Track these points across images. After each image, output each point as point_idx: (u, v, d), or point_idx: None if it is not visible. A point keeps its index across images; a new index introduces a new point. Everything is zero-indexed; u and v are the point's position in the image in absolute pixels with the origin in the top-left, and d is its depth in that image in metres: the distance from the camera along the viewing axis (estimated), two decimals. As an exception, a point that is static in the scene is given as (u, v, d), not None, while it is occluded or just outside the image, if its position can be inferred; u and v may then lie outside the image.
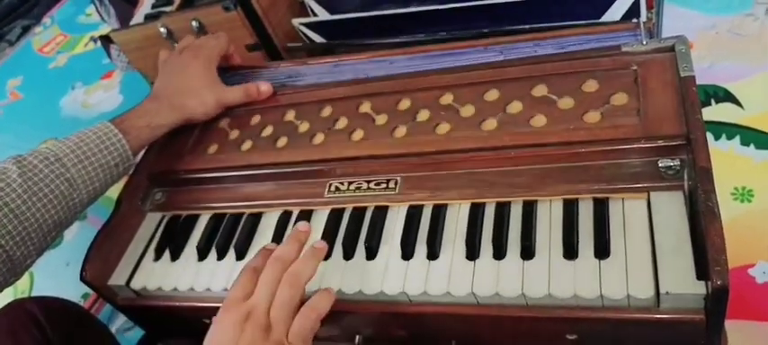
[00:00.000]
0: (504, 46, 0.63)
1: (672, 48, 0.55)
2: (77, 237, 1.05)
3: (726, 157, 0.75)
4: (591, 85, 0.55)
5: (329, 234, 0.57)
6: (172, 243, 0.63)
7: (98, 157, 0.61)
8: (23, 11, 1.96)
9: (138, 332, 0.84)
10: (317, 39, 0.87)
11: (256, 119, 0.69)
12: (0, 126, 1.55)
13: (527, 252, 0.49)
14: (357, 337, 0.58)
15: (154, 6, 1.01)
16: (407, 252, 0.53)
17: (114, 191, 0.68)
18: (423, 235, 0.53)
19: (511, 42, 0.63)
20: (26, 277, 0.83)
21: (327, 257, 0.55)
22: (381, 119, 0.62)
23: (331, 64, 0.72)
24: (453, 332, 0.54)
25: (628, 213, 0.49)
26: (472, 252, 0.51)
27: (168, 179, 0.69)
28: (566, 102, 0.55)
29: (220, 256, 0.60)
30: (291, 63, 0.77)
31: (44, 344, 0.65)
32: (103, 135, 0.62)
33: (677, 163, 0.48)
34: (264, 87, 0.70)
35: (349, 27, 0.83)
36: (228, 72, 0.75)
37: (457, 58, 0.65)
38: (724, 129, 0.78)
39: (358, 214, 0.58)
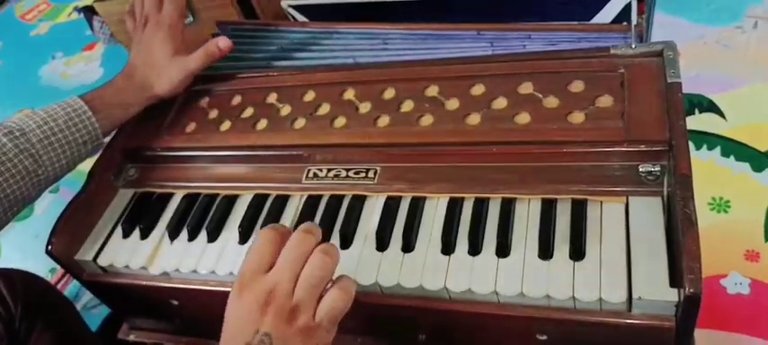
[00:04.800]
0: (495, 33, 0.63)
1: (660, 53, 0.54)
2: (48, 210, 1.03)
3: (705, 167, 0.76)
4: (577, 86, 0.55)
5: (305, 221, 0.55)
6: (142, 220, 0.61)
7: (65, 134, 0.59)
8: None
9: (103, 311, 0.83)
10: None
11: (237, 99, 0.68)
12: (-25, 92, 1.50)
13: (502, 250, 0.48)
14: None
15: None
16: (383, 243, 0.52)
17: (87, 165, 0.66)
18: (399, 227, 0.53)
19: (502, 30, 0.63)
20: (-8, 248, 0.81)
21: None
22: (365, 108, 0.61)
23: (324, 32, 0.72)
24: (424, 326, 0.53)
25: (605, 216, 0.48)
26: (447, 247, 0.50)
27: (143, 155, 0.67)
28: (551, 101, 0.55)
29: (192, 237, 0.59)
30: (287, 25, 0.76)
31: (6, 316, 0.64)
32: (72, 111, 0.60)
33: (658, 168, 0.48)
34: (223, 43, 0.67)
35: (340, 12, 0.82)
36: (226, 27, 0.74)
37: (449, 42, 0.64)
38: (705, 139, 0.79)
39: (335, 202, 0.57)
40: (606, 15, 0.68)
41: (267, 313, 0.42)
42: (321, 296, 0.44)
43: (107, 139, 0.65)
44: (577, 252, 0.47)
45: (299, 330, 0.42)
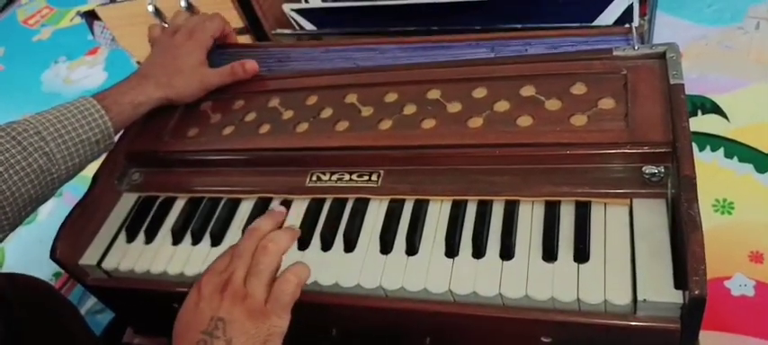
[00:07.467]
0: (495, 42, 0.63)
1: (663, 55, 0.54)
2: (52, 215, 1.03)
3: (709, 169, 0.75)
4: (579, 88, 0.55)
5: (308, 224, 0.56)
6: (146, 224, 0.61)
7: (78, 132, 0.59)
8: (10, -19, 1.92)
9: (107, 315, 0.83)
10: (308, 26, 0.85)
11: (240, 103, 0.68)
12: (-22, 97, 1.51)
13: (506, 253, 0.48)
14: (333, 330, 0.57)
15: (142, -17, 0.99)
16: (386, 247, 0.52)
17: (91, 169, 0.66)
18: (403, 230, 0.53)
19: (502, 38, 0.63)
20: (-4, 252, 0.81)
21: (305, 247, 0.55)
22: (367, 111, 0.61)
23: (321, 49, 0.71)
24: (428, 329, 0.53)
25: (609, 218, 0.48)
26: (451, 250, 0.50)
27: (146, 159, 0.67)
28: (553, 104, 0.55)
29: (195, 241, 0.59)
30: (281, 45, 0.76)
31: (10, 320, 0.64)
32: (85, 109, 0.60)
33: (662, 170, 0.48)
34: (250, 65, 0.69)
35: (340, 16, 0.82)
36: (217, 49, 0.74)
37: (447, 52, 0.64)
38: (709, 141, 0.78)
39: (338, 205, 0.57)
40: (608, 17, 0.68)
41: (224, 298, 0.47)
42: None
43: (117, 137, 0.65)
44: (582, 255, 0.46)
45: (250, 314, 0.47)
